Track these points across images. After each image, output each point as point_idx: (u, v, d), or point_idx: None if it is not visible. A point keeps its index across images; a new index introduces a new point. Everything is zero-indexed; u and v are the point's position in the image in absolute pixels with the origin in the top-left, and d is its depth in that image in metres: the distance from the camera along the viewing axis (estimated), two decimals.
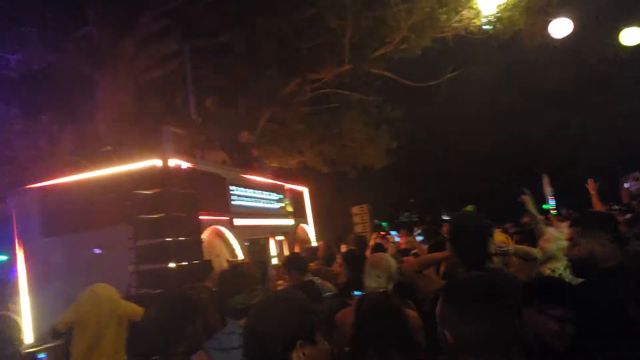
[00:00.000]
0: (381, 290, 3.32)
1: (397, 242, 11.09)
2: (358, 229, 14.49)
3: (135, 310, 3.38)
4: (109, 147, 8.03)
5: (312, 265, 6.57)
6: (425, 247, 6.43)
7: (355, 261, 4.53)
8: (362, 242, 8.24)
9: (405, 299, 3.64)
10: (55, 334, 3.89)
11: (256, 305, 2.20)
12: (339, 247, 9.17)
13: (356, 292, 3.44)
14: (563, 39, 10.48)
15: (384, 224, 16.69)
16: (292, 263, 5.16)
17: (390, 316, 2.89)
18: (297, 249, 9.66)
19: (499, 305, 1.69)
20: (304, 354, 1.89)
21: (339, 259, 6.71)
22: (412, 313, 3.36)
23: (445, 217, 28.56)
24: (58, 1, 10.97)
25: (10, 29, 10.61)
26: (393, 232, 12.52)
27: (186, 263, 6.08)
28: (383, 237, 11.25)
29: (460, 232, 3.05)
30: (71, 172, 7.47)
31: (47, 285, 6.51)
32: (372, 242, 9.09)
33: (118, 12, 10.95)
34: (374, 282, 3.61)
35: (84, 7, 11.09)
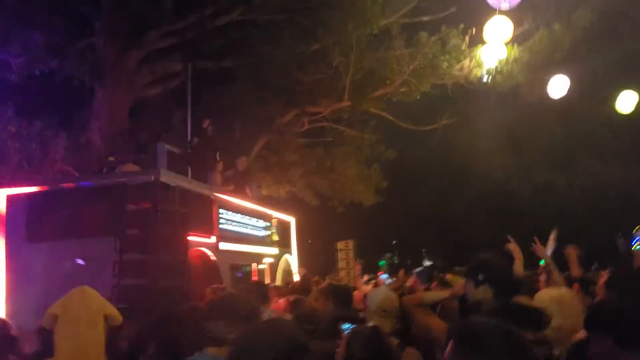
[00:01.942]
0: (372, 325, 3.30)
1: (389, 283, 11.04)
2: (342, 264, 14.41)
3: (118, 314, 3.35)
4: (112, 158, 8.01)
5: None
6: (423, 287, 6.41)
7: (341, 295, 4.48)
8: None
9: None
10: (42, 330, 3.82)
11: (242, 334, 2.07)
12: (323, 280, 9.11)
13: (345, 326, 3.41)
14: (561, 98, 10.73)
15: (382, 263, 16.61)
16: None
17: (382, 353, 2.87)
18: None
19: None
20: None
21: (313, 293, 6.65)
22: (410, 350, 3.35)
23: (428, 263, 28.54)
24: (66, 10, 11.07)
25: (17, 32, 10.65)
26: (383, 276, 12.43)
27: (169, 281, 6.01)
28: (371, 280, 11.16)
29: None
30: (61, 180, 7.42)
31: (27, 291, 6.38)
32: (366, 286, 8.92)
33: (125, 27, 11.07)
34: (378, 319, 3.59)
35: (91, 18, 11.19)
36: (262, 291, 5.16)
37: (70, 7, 11.06)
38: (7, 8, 10.36)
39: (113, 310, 3.27)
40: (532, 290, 4.85)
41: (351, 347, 2.87)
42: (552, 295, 3.98)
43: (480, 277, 3.11)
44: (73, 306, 3.17)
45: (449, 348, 1.78)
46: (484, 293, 3.08)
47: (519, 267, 4.16)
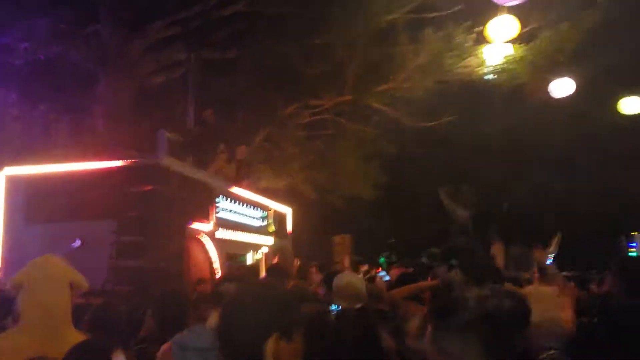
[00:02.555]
0: (358, 306, 3.33)
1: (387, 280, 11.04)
2: (338, 258, 14.44)
3: (84, 280, 3.35)
4: (114, 143, 8.04)
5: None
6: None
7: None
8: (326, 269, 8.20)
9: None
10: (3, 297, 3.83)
11: (233, 296, 2.08)
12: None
13: (333, 307, 3.44)
14: (563, 99, 10.73)
15: (381, 260, 16.62)
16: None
17: (367, 334, 2.90)
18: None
19: None
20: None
21: (312, 275, 6.68)
22: (386, 336, 3.37)
23: (425, 262, 28.45)
24: None
25: (22, 18, 10.67)
26: (381, 273, 12.42)
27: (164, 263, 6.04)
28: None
29: None
30: (62, 162, 7.44)
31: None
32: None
33: (130, 15, 11.07)
34: (344, 302, 3.61)
35: (97, 5, 11.20)
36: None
37: None
38: None
39: (78, 277, 3.24)
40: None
41: (339, 324, 2.90)
42: (530, 292, 3.99)
43: (453, 261, 3.16)
44: (36, 274, 3.15)
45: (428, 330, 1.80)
46: (455, 277, 3.13)
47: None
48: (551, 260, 5.82)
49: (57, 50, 11.26)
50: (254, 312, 1.81)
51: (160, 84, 11.81)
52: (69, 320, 2.99)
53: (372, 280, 9.13)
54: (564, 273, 6.30)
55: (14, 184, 7.20)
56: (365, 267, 10.86)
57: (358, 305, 3.39)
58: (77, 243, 6.43)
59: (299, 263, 7.76)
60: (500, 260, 4.24)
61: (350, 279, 3.83)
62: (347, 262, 10.92)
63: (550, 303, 3.77)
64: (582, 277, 6.45)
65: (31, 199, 7.11)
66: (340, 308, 3.34)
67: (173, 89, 11.61)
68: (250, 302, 1.86)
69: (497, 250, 4.71)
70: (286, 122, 12.85)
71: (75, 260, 6.28)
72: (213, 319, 2.42)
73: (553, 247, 5.36)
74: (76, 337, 2.78)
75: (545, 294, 3.97)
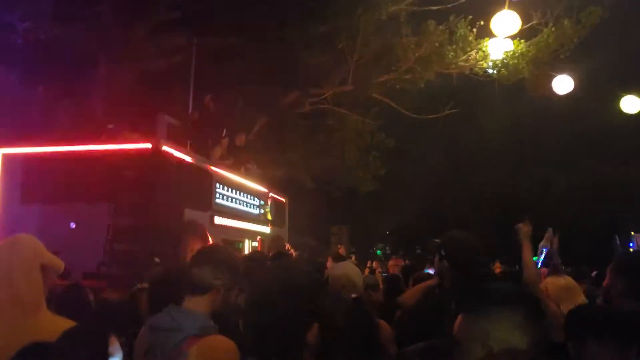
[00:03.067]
0: (354, 296, 3.33)
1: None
2: (334, 249, 14.48)
3: (59, 261, 3.23)
4: (112, 125, 8.01)
5: None
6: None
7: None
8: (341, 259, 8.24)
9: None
10: None
11: (258, 277, 1.99)
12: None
13: None
14: (565, 95, 10.72)
15: (379, 252, 16.68)
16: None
17: (364, 323, 2.90)
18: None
19: None
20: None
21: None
22: (384, 324, 3.38)
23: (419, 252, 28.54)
24: None
25: None
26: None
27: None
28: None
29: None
30: (60, 144, 7.42)
31: None
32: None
33: None
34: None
35: None
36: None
37: None
38: None
39: (51, 259, 3.10)
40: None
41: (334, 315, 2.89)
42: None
43: (443, 252, 3.19)
44: (3, 256, 3.01)
45: None
46: (444, 267, 3.18)
47: (527, 254, 3.98)
48: (543, 255, 5.82)
49: (58, 31, 11.19)
50: (290, 301, 1.72)
51: (161, 68, 11.76)
52: (41, 304, 2.87)
53: (372, 272, 9.20)
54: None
55: (11, 163, 7.18)
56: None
57: (353, 295, 3.39)
58: (72, 225, 6.43)
59: (294, 253, 7.79)
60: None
61: (346, 269, 3.83)
62: (343, 252, 10.96)
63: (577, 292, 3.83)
64: (577, 272, 6.47)
65: (28, 180, 7.10)
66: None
67: (174, 74, 11.55)
68: (279, 283, 1.78)
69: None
70: (286, 110, 12.81)
71: (71, 242, 6.34)
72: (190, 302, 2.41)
73: (544, 241, 5.38)
74: (52, 321, 2.68)
75: (570, 285, 3.99)
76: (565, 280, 4.13)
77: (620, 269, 3.00)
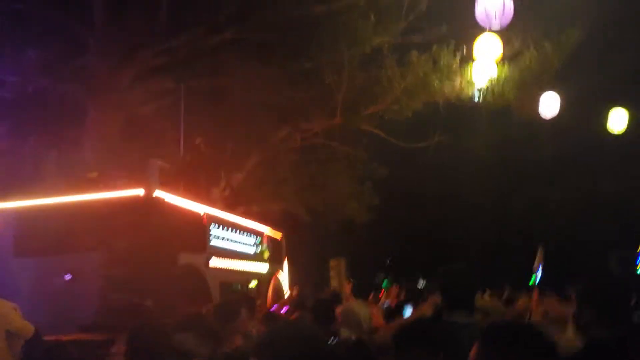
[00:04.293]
0: (354, 338, 3.30)
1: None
2: (334, 282, 14.34)
3: (27, 327, 3.12)
4: (95, 173, 7.99)
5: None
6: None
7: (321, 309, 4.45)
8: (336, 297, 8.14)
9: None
10: None
11: (264, 334, 2.01)
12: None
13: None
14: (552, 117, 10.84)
15: (384, 284, 16.49)
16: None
17: None
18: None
19: None
20: None
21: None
22: None
23: (422, 282, 28.31)
24: (60, 29, 11.15)
25: (11, 51, 10.72)
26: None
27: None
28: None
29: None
30: (51, 194, 7.39)
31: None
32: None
33: (118, 46, 11.14)
34: (348, 330, 3.59)
35: (85, 37, 11.26)
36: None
37: (64, 26, 11.15)
38: (1, 27, 10.44)
39: (17, 325, 2.99)
40: None
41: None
42: None
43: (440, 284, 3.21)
44: None
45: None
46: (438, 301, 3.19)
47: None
48: (539, 273, 5.82)
49: (45, 82, 11.29)
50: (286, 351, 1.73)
51: (150, 112, 11.83)
52: None
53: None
54: None
55: (2, 217, 7.14)
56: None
57: (354, 337, 3.37)
58: (68, 277, 6.36)
59: (295, 292, 7.71)
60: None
61: (354, 307, 3.85)
62: (348, 288, 10.85)
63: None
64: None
65: (20, 232, 7.05)
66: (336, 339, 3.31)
67: (163, 117, 11.61)
68: (283, 340, 1.78)
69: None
70: (277, 146, 12.88)
71: (66, 293, 6.26)
72: None
73: (538, 259, 5.39)
74: None
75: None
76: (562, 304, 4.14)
77: (587, 298, 2.93)
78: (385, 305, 9.38)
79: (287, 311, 6.84)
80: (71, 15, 11.03)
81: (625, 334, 2.55)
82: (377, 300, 9.95)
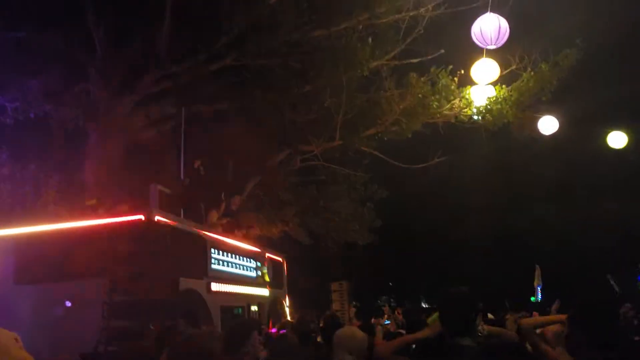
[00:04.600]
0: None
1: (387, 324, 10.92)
2: (336, 306, 14.27)
3: (24, 358, 3.03)
4: (94, 200, 8.00)
5: None
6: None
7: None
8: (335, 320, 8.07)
9: None
10: None
11: None
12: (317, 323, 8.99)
13: None
14: (550, 135, 10.90)
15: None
16: None
17: None
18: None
19: None
20: None
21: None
22: None
23: (425, 305, 28.18)
24: (62, 56, 11.27)
25: (14, 78, 10.83)
26: (387, 321, 12.30)
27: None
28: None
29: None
30: (52, 221, 7.40)
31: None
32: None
33: (119, 72, 11.24)
34: (345, 354, 3.57)
35: (86, 64, 11.38)
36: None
37: (66, 53, 11.26)
38: (4, 55, 10.56)
39: (18, 356, 2.92)
40: None
41: None
42: None
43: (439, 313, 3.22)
44: None
45: None
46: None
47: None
48: (539, 292, 5.81)
49: (47, 109, 11.37)
50: None
51: (151, 137, 11.89)
52: None
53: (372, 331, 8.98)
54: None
55: (3, 243, 7.13)
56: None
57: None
58: (68, 304, 6.33)
59: (297, 316, 7.65)
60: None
61: (353, 331, 3.83)
62: (352, 312, 10.81)
63: None
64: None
65: (21, 259, 7.04)
66: None
67: (163, 142, 11.67)
68: None
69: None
70: (277, 169, 12.90)
71: (67, 320, 6.23)
72: None
73: (537, 279, 5.37)
74: None
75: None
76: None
77: (578, 323, 2.93)
78: (386, 322, 9.33)
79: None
80: (73, 42, 11.16)
81: (619, 356, 2.57)
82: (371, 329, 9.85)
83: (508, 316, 5.74)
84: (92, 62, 11.27)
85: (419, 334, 3.50)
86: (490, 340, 3.22)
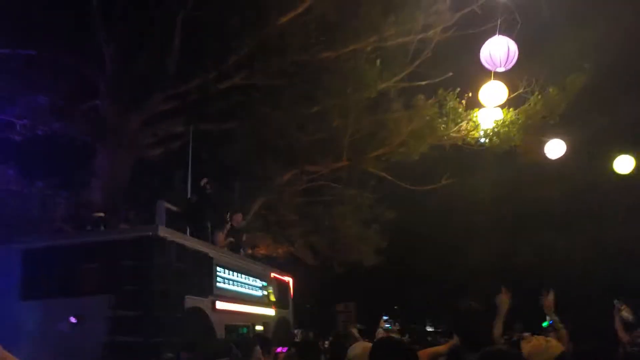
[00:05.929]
0: None
1: None
2: (342, 327, 14.12)
3: None
4: (101, 214, 8.00)
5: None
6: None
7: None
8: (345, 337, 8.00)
9: None
10: None
11: None
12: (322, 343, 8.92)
13: None
14: (557, 159, 10.87)
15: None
16: None
17: None
18: None
19: None
20: None
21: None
22: None
23: (430, 329, 27.89)
24: (71, 73, 11.35)
25: (22, 95, 10.90)
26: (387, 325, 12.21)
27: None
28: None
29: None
30: (59, 237, 7.39)
31: (20, 349, 6.22)
32: None
33: (128, 90, 11.30)
34: None
35: (96, 81, 11.45)
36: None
37: (75, 70, 11.34)
38: (13, 71, 10.64)
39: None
40: None
41: None
42: None
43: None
44: None
45: None
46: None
47: (498, 326, 3.97)
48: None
49: (55, 125, 11.43)
50: None
51: (158, 155, 11.93)
52: None
53: None
54: None
55: (10, 259, 7.11)
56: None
57: None
58: (73, 320, 6.29)
59: (300, 336, 7.61)
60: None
61: (365, 348, 3.79)
62: (356, 332, 10.68)
63: None
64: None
65: (27, 275, 7.01)
66: None
67: (171, 160, 11.70)
68: None
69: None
70: (284, 189, 12.89)
71: (72, 337, 6.19)
72: None
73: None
74: None
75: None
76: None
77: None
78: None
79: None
80: (82, 60, 11.24)
81: None
82: None
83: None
84: (101, 79, 11.34)
85: (443, 347, 3.51)
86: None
